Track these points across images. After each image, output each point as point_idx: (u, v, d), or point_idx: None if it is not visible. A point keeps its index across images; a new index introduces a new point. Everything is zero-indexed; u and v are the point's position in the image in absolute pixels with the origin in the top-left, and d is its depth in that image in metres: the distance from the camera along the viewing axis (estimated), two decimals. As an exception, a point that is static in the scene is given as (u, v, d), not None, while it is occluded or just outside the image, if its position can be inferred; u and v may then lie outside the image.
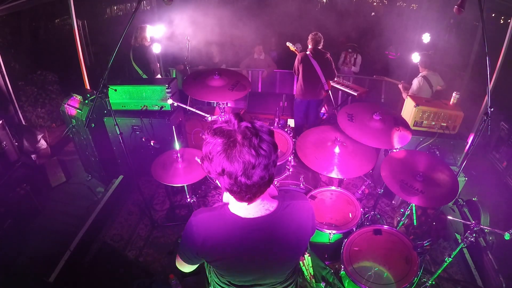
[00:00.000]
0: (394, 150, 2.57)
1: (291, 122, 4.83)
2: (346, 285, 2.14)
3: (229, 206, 1.17)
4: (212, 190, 3.66)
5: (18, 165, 3.37)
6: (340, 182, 3.10)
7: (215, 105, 5.67)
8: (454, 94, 3.20)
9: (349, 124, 2.50)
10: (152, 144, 2.83)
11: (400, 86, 4.16)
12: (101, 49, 5.63)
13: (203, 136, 1.14)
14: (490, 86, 2.24)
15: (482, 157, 3.80)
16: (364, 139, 2.39)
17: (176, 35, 5.33)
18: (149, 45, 4.36)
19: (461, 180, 3.19)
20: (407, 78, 4.57)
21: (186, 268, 1.39)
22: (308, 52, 4.02)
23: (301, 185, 2.74)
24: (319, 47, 4.02)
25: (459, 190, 2.90)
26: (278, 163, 2.61)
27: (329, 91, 4.34)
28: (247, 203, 1.11)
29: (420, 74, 3.90)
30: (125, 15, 6.68)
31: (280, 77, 6.01)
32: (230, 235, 1.16)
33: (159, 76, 4.62)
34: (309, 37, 4.04)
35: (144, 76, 4.40)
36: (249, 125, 1.00)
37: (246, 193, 1.05)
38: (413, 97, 3.36)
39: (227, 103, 3.21)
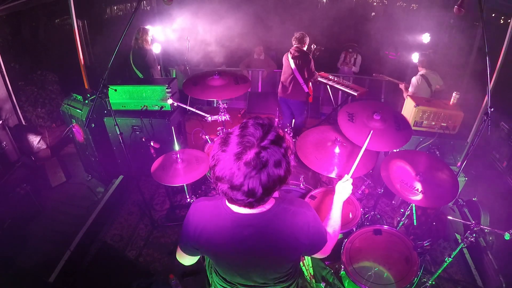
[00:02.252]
0: (394, 150, 2.57)
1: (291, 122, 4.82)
2: (346, 285, 2.14)
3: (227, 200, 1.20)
4: (212, 190, 3.66)
5: (18, 165, 3.37)
6: (340, 182, 3.10)
7: (215, 105, 5.68)
8: (454, 94, 3.20)
9: (350, 125, 2.50)
10: (152, 144, 2.83)
11: (401, 86, 4.16)
12: (101, 49, 5.62)
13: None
14: (490, 86, 2.24)
15: (482, 157, 3.80)
16: (364, 142, 2.39)
17: (176, 35, 5.33)
18: (150, 48, 4.31)
19: (461, 180, 3.19)
20: (408, 78, 4.57)
21: (186, 260, 1.41)
22: (290, 51, 4.04)
23: (301, 185, 2.73)
24: (302, 47, 4.01)
25: (459, 190, 2.90)
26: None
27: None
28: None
29: (419, 73, 3.91)
30: (125, 15, 6.66)
31: (280, 77, 6.02)
32: (221, 226, 1.19)
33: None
34: (294, 36, 4.05)
35: None
36: (264, 155, 0.99)
37: (233, 202, 1.10)
38: (413, 97, 3.36)
39: (225, 103, 3.22)
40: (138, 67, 4.31)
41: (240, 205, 1.11)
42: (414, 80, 3.89)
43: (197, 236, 1.22)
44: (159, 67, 4.69)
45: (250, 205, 1.10)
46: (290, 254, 1.25)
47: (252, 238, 1.17)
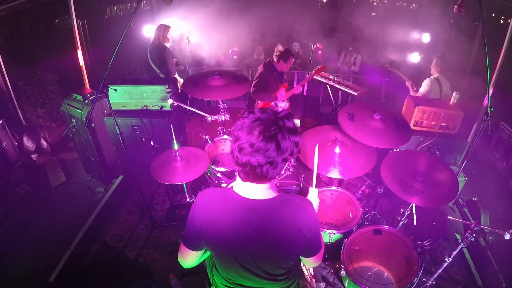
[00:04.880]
0: (394, 150, 2.57)
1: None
2: (346, 285, 2.14)
3: (233, 187, 1.26)
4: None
5: (18, 165, 3.37)
6: (340, 182, 3.10)
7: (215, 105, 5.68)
8: (454, 94, 3.20)
9: (350, 124, 2.50)
10: (152, 144, 2.83)
11: (408, 84, 4.14)
12: (101, 49, 5.62)
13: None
14: (490, 86, 2.24)
15: (482, 157, 3.79)
16: (365, 139, 2.39)
17: (175, 36, 5.32)
18: (168, 44, 4.37)
19: (461, 180, 3.19)
20: (407, 77, 4.57)
21: (188, 259, 1.39)
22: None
23: (301, 185, 2.74)
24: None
25: (459, 190, 2.90)
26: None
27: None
28: (240, 179, 1.23)
29: (433, 76, 3.85)
30: (125, 15, 6.66)
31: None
32: (227, 211, 1.23)
33: (177, 75, 4.60)
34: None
35: (162, 75, 4.40)
36: (282, 122, 1.12)
37: (237, 164, 1.17)
38: (413, 97, 3.36)
39: (226, 103, 3.23)
40: (156, 63, 4.34)
41: (248, 175, 1.17)
42: (426, 81, 3.82)
43: (201, 222, 1.24)
44: (175, 61, 4.71)
45: (256, 175, 1.15)
46: (292, 244, 1.25)
47: (255, 223, 1.20)
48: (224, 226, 1.22)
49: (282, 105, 3.89)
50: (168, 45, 4.35)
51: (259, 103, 3.92)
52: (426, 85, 3.81)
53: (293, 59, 3.84)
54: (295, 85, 5.84)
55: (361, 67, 6.06)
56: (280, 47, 3.86)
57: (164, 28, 4.27)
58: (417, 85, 4.05)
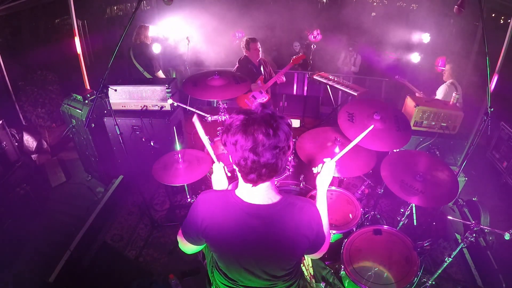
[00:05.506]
0: (394, 150, 2.57)
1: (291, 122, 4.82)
2: (346, 285, 2.14)
3: (235, 190, 1.25)
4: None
5: (18, 165, 3.37)
6: (340, 182, 3.10)
7: (215, 105, 5.69)
8: (454, 94, 3.20)
9: (350, 125, 2.50)
10: (152, 144, 2.83)
11: (418, 95, 4.12)
12: (101, 49, 5.63)
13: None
14: (490, 86, 2.24)
15: (482, 157, 3.80)
16: (365, 142, 2.39)
17: (175, 36, 5.33)
18: (150, 44, 4.43)
19: (461, 180, 3.19)
20: (407, 77, 4.57)
21: (187, 247, 1.42)
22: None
23: (301, 185, 2.73)
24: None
25: (459, 190, 2.90)
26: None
27: None
28: (251, 185, 1.17)
29: (449, 81, 3.84)
30: (125, 15, 6.66)
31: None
32: (229, 216, 1.22)
33: (160, 72, 4.64)
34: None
35: (145, 74, 4.42)
36: (270, 112, 1.12)
37: (251, 172, 1.13)
38: (413, 97, 3.36)
39: (225, 103, 3.23)
40: (139, 61, 4.39)
41: (262, 176, 1.14)
42: (444, 86, 3.80)
43: (205, 225, 1.24)
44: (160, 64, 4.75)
45: (273, 170, 1.13)
46: (296, 248, 1.26)
47: (259, 229, 1.19)
48: (227, 230, 1.22)
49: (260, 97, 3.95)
50: (149, 43, 4.42)
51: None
52: (443, 90, 3.80)
53: (256, 44, 4.00)
54: (294, 86, 5.87)
55: (363, 63, 6.04)
56: (244, 39, 4.04)
57: (144, 28, 4.37)
58: (428, 95, 4.02)
